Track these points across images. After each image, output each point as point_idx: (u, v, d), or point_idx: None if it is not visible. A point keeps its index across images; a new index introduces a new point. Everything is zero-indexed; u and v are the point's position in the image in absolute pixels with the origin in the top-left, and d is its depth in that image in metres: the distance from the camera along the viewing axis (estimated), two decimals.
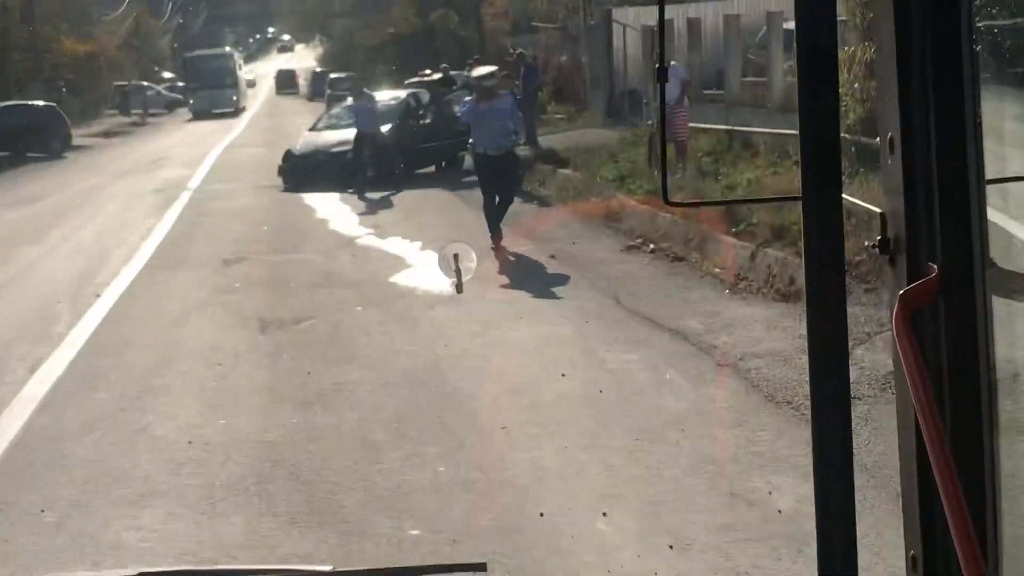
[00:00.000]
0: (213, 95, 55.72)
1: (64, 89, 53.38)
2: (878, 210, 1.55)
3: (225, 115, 52.33)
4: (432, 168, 23.13)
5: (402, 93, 25.61)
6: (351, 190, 20.27)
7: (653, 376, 8.11)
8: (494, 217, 14.15)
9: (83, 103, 54.32)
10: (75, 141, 38.13)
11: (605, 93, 27.31)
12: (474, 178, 21.35)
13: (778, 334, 8.91)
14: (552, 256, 13.13)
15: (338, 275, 12.86)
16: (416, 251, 13.99)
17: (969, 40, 1.46)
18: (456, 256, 4.44)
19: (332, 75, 58.95)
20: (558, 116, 27.64)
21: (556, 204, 17.74)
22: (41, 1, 50.96)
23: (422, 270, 12.68)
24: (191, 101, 57.38)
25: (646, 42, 23.87)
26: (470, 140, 14.76)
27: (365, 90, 23.07)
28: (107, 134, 46.07)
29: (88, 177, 26.40)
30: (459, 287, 4.52)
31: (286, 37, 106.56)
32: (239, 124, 46.99)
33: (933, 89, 1.45)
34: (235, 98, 57.25)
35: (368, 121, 21.51)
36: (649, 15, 26.43)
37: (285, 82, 73.15)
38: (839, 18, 1.74)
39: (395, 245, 14.61)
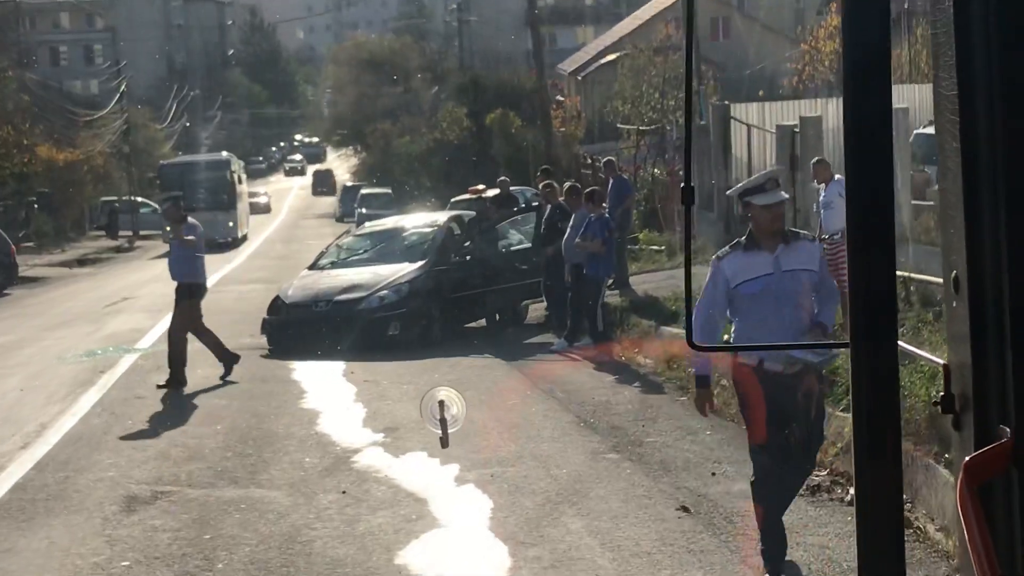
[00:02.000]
0: (198, 219, 47.37)
1: (36, 206, 50.97)
2: (940, 361, 1.60)
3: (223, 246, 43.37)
4: (483, 322, 19.77)
5: (443, 216, 21.87)
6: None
7: None
8: (783, 497, 7.71)
9: (59, 223, 51.94)
10: (28, 271, 35.32)
11: (721, 216, 23.35)
12: (547, 340, 17.58)
13: None
14: (683, 508, 8.92)
15: (306, 542, 8.56)
16: (450, 485, 9.72)
17: None
18: (441, 404, 4.43)
19: (364, 190, 55.95)
20: (654, 248, 24.66)
21: (668, 391, 13.40)
22: (4, 98, 48.45)
23: (459, 533, 8.47)
24: (166, 228, 49.25)
25: (783, 148, 19.81)
26: (725, 335, 8.04)
27: (186, 215, 16.09)
28: (79, 262, 43.06)
29: (16, 326, 23.39)
30: (444, 441, 4.45)
31: (297, 157, 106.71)
32: (243, 250, 43.26)
33: (1006, 220, 1.43)
34: (231, 224, 45.73)
35: (186, 267, 15.41)
36: (785, 112, 22.59)
37: (322, 181, 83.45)
38: None
39: (416, 471, 10.34)
